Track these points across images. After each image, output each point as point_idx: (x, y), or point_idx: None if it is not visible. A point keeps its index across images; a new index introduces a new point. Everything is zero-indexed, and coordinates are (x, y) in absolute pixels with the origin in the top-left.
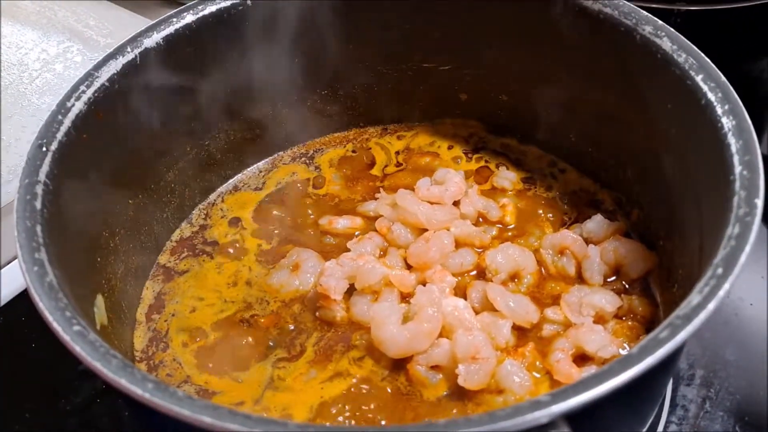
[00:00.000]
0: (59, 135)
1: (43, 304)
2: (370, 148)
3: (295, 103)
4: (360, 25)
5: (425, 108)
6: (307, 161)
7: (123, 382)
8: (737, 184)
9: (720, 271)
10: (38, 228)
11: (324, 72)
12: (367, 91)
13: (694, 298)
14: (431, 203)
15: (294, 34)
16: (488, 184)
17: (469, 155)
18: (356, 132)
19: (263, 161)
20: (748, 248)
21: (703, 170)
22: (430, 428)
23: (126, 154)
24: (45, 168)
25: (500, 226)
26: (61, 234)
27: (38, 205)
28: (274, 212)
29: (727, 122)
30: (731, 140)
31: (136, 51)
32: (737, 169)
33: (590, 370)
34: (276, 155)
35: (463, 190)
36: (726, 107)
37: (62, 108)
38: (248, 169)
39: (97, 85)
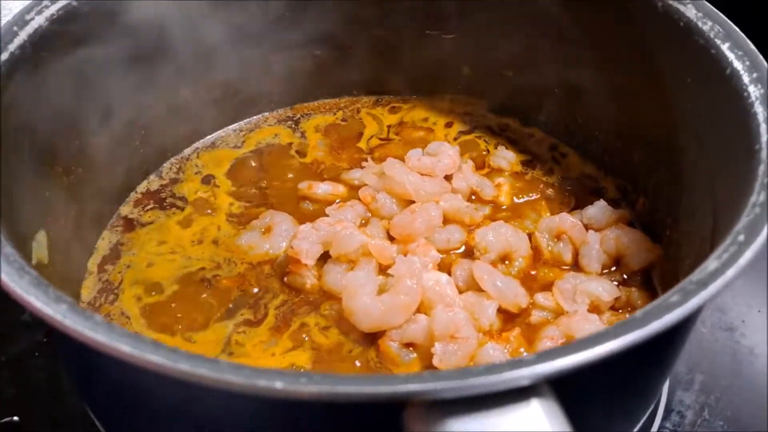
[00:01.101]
0: (12, 47)
1: None
2: (362, 118)
3: (284, 60)
4: None
5: (424, 80)
6: (293, 125)
7: (33, 301)
8: (764, 153)
9: (742, 238)
10: None
11: (316, 29)
12: (362, 56)
13: (710, 263)
14: (421, 174)
15: None
16: (485, 168)
17: (467, 133)
18: (348, 100)
19: (245, 120)
20: None
21: (722, 146)
22: (393, 381)
23: (92, 91)
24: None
25: (493, 206)
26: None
27: None
28: (251, 173)
29: (754, 90)
30: (758, 109)
31: None
32: (764, 138)
33: None
34: (260, 116)
35: (456, 164)
36: (754, 75)
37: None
38: (229, 127)
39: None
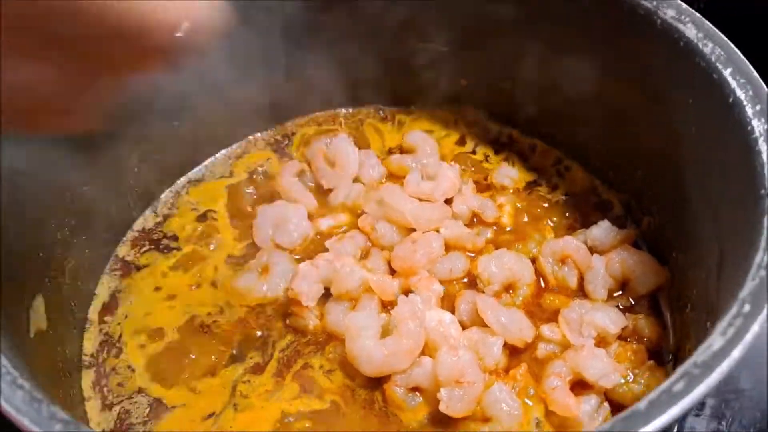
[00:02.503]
0: None
1: None
2: (365, 131)
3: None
4: None
5: (421, 92)
6: (287, 142)
7: (25, 422)
8: None
9: (747, 308)
10: None
11: (311, 44)
12: (359, 69)
13: (715, 341)
14: (421, 200)
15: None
16: (487, 182)
17: (470, 146)
18: (349, 113)
19: (235, 145)
20: None
21: (727, 178)
22: None
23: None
24: None
25: (496, 228)
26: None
27: None
28: (247, 207)
29: (758, 125)
30: (762, 147)
31: None
32: None
33: (590, 400)
34: (251, 137)
35: (456, 186)
36: (757, 108)
37: None
38: (220, 153)
39: None
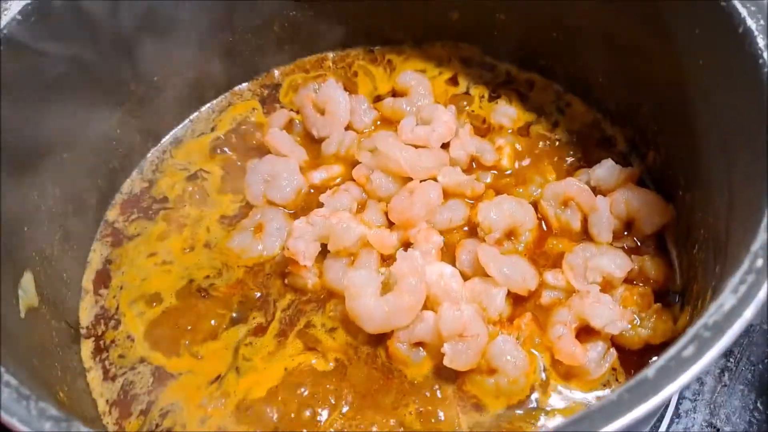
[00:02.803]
0: None
1: None
2: (356, 72)
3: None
4: None
5: (412, 28)
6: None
7: (14, 422)
8: None
9: (760, 263)
10: None
11: None
12: (347, 6)
13: (727, 299)
14: (416, 147)
15: None
16: (485, 125)
17: (464, 85)
18: (339, 55)
19: (220, 97)
20: None
21: (737, 113)
22: None
23: (58, 98)
24: None
25: (496, 171)
26: None
27: None
28: (237, 161)
29: None
30: None
31: None
32: None
33: (596, 347)
34: (236, 88)
35: (452, 130)
36: None
37: None
38: (204, 107)
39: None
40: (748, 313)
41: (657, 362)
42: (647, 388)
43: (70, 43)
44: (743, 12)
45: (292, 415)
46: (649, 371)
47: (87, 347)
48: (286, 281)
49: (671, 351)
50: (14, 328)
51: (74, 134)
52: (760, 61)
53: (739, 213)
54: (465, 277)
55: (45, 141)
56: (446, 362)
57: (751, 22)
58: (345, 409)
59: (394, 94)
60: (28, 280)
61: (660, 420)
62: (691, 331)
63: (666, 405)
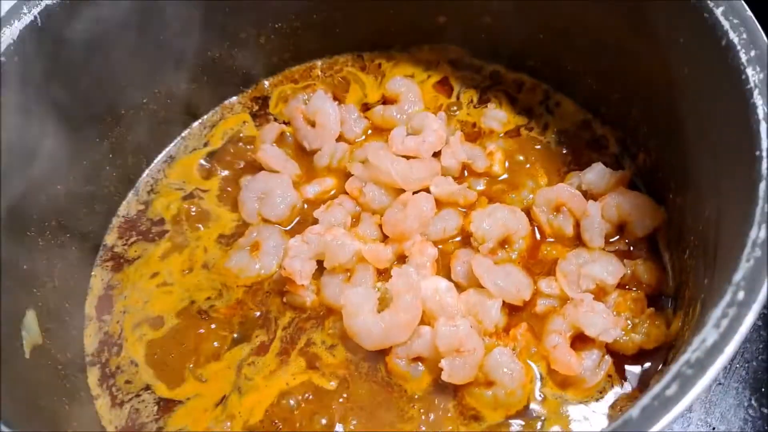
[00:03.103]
0: None
1: None
2: (345, 78)
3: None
4: None
5: (400, 33)
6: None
7: None
8: (764, 165)
9: (741, 296)
10: None
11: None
12: (336, 15)
13: (709, 334)
14: (407, 158)
15: None
16: (474, 128)
17: (454, 88)
18: (327, 62)
19: (211, 112)
20: None
21: (723, 124)
22: None
23: (45, 133)
24: None
25: (488, 178)
26: None
27: None
28: (230, 178)
29: (753, 74)
30: (758, 100)
31: (35, 11)
32: (765, 143)
33: (591, 356)
34: (226, 102)
35: (443, 139)
36: (752, 54)
37: None
38: (195, 124)
39: None
40: (730, 349)
41: (641, 401)
42: (632, 427)
43: (56, 75)
44: (726, 25)
45: None
46: (634, 411)
47: (93, 375)
48: (284, 300)
49: (655, 389)
50: (20, 372)
51: (67, 164)
52: (743, 77)
53: (726, 227)
54: (460, 288)
55: (39, 176)
56: (444, 377)
57: (733, 36)
58: (353, 425)
59: (384, 100)
60: (30, 318)
61: None
62: (674, 369)
63: None
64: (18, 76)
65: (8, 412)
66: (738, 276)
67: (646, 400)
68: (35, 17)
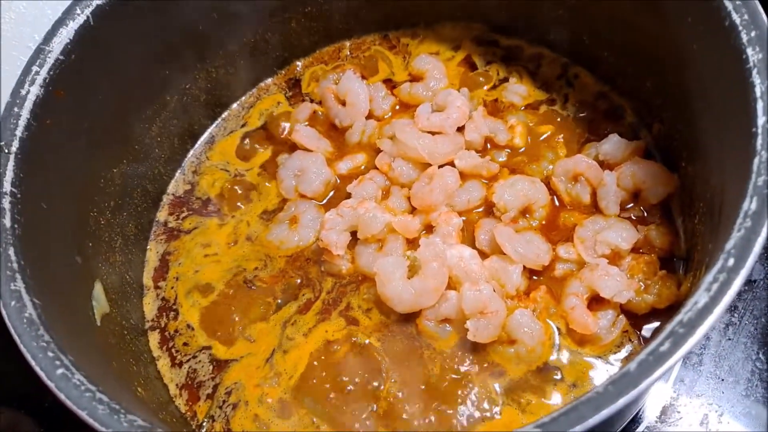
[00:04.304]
0: (19, 131)
1: (24, 347)
2: (372, 56)
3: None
4: None
5: (423, 12)
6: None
7: None
8: (759, 141)
9: (731, 262)
10: (11, 251)
11: None
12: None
13: (701, 297)
14: (433, 133)
15: None
16: (497, 102)
17: (478, 64)
18: (355, 42)
19: (248, 94)
20: (764, 233)
21: (726, 100)
22: None
23: (99, 123)
24: (9, 175)
25: (509, 150)
26: (39, 246)
27: (7, 222)
28: (269, 156)
29: (752, 54)
30: (756, 79)
31: (87, 11)
32: (761, 120)
33: (606, 315)
34: (262, 84)
35: (466, 114)
36: (753, 34)
37: (17, 98)
38: (234, 105)
39: (51, 61)
40: (719, 310)
41: (639, 356)
42: (628, 380)
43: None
44: (729, 6)
45: (350, 387)
46: (632, 365)
47: (154, 338)
48: (322, 268)
49: (651, 346)
50: (95, 339)
51: (121, 150)
52: (743, 57)
53: (728, 198)
54: (484, 256)
55: (98, 162)
56: (470, 337)
57: (735, 17)
58: (392, 377)
59: (411, 78)
60: (98, 290)
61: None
62: (668, 327)
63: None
64: (75, 70)
65: (87, 372)
66: (729, 244)
67: (642, 355)
68: (87, 17)
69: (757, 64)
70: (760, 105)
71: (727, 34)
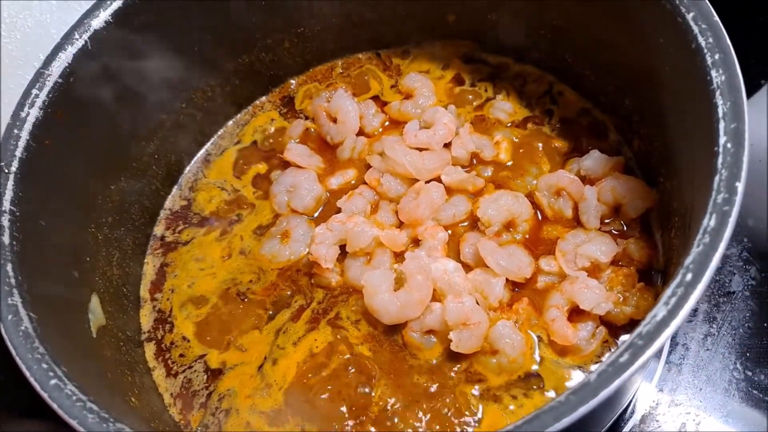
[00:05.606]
0: (18, 152)
1: (20, 358)
2: (364, 75)
3: (273, 42)
4: None
5: (413, 31)
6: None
7: None
8: (720, 160)
9: (689, 277)
10: (9, 267)
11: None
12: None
13: (659, 311)
14: (420, 149)
15: None
16: (483, 119)
17: (465, 81)
18: (346, 61)
19: (243, 111)
20: (721, 248)
21: (695, 120)
22: None
23: (97, 143)
24: (8, 194)
25: (495, 165)
26: (37, 261)
27: (6, 239)
28: (262, 172)
29: (716, 76)
30: (719, 100)
31: (85, 36)
32: (722, 139)
33: (586, 327)
34: (257, 101)
35: (452, 131)
36: (717, 57)
37: (17, 120)
38: (230, 122)
39: (50, 84)
40: (675, 323)
41: (599, 367)
42: (588, 390)
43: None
44: (695, 29)
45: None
46: (592, 375)
47: (150, 349)
48: (312, 281)
49: (611, 357)
50: (90, 350)
51: (118, 168)
52: (708, 77)
53: (696, 214)
54: (469, 269)
55: (96, 180)
56: (453, 347)
57: (701, 40)
58: (382, 388)
59: (402, 95)
60: (95, 302)
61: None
62: (628, 340)
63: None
64: (73, 92)
65: (80, 382)
66: (689, 260)
67: (602, 366)
68: (85, 42)
69: (720, 85)
70: (721, 125)
71: (693, 56)
